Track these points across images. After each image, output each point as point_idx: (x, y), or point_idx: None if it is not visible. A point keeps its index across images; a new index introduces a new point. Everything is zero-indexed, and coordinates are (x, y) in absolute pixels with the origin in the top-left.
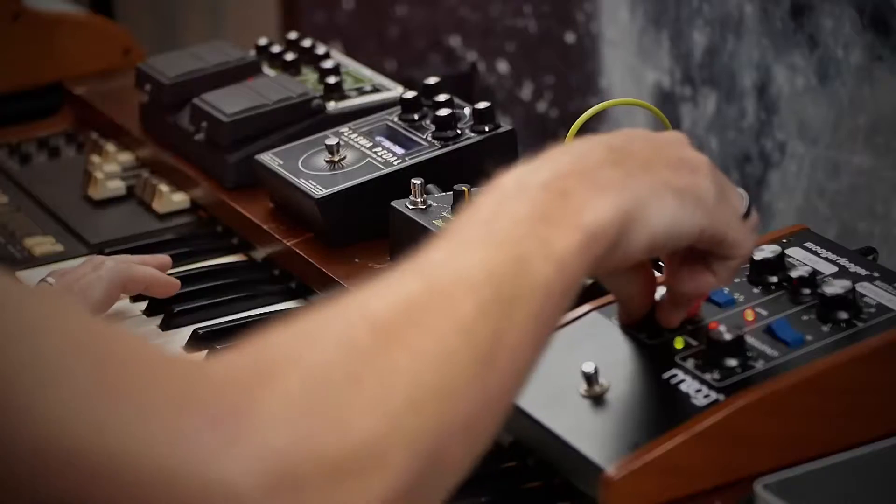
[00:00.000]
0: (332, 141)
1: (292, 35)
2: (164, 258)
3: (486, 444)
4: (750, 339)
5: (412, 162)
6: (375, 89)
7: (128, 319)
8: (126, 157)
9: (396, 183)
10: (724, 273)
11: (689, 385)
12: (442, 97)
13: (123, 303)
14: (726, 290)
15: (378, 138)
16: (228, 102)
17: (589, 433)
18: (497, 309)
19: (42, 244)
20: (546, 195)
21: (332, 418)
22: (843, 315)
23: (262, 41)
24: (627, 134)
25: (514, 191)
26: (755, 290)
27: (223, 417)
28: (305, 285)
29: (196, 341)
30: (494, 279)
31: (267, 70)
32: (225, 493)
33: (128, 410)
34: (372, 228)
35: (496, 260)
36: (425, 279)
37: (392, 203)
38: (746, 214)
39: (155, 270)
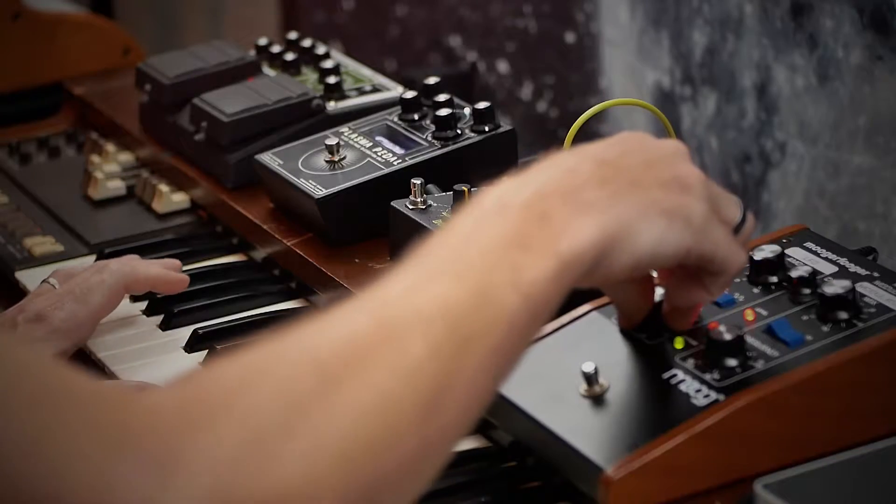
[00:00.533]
0: (332, 141)
1: (292, 35)
2: (174, 262)
3: (425, 485)
4: (750, 339)
5: (412, 162)
6: (375, 89)
7: (127, 319)
8: (126, 157)
9: (396, 183)
10: (716, 288)
11: (688, 385)
12: (442, 97)
13: (123, 302)
14: (726, 290)
15: (378, 138)
16: (228, 102)
17: (589, 433)
18: (450, 348)
19: (42, 244)
20: (525, 216)
21: (260, 469)
22: (843, 315)
23: (262, 41)
24: (622, 144)
25: (493, 211)
26: (755, 290)
27: (154, 463)
28: (305, 285)
29: (196, 341)
30: (452, 316)
31: (267, 70)
32: None
33: (59, 454)
34: (372, 228)
35: (457, 294)
36: (378, 317)
37: (392, 203)
38: (741, 224)
39: (161, 269)
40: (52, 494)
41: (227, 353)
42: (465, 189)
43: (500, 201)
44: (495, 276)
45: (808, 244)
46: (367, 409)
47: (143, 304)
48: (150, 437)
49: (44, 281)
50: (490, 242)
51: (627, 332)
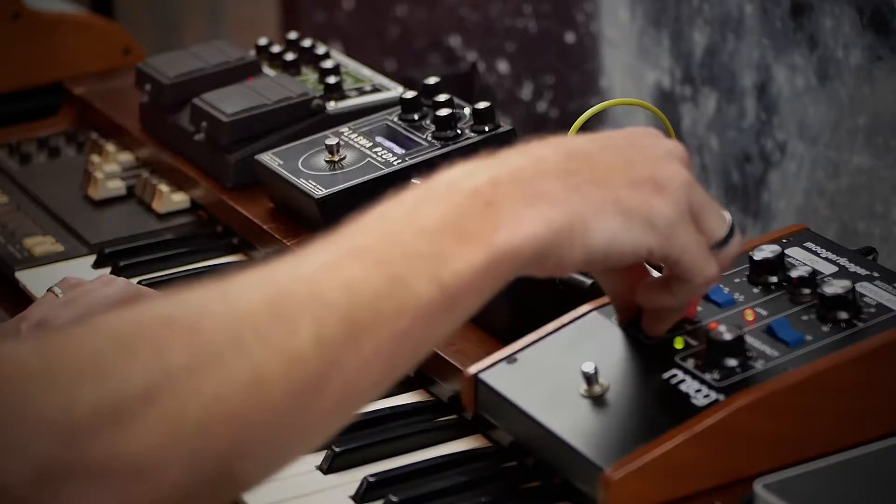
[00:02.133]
0: (332, 141)
1: (292, 35)
2: None
3: (288, 464)
4: (750, 339)
5: (412, 162)
6: (375, 89)
7: None
8: (126, 157)
9: (396, 183)
10: (682, 294)
11: (688, 385)
12: (442, 97)
13: None
14: (726, 289)
15: (378, 138)
16: (228, 102)
17: (589, 433)
18: (342, 337)
19: (42, 244)
20: (470, 203)
21: (113, 428)
22: (843, 315)
23: (262, 41)
24: (613, 139)
25: (441, 192)
26: (755, 290)
27: (1, 423)
28: None
29: None
30: (353, 303)
31: (267, 70)
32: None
33: None
34: None
35: (368, 279)
36: (276, 293)
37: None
38: (727, 239)
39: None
40: None
41: (108, 312)
42: None
43: (451, 184)
44: (417, 263)
45: (808, 244)
46: (238, 385)
47: None
48: (5, 392)
49: (49, 290)
50: (426, 227)
51: (628, 332)
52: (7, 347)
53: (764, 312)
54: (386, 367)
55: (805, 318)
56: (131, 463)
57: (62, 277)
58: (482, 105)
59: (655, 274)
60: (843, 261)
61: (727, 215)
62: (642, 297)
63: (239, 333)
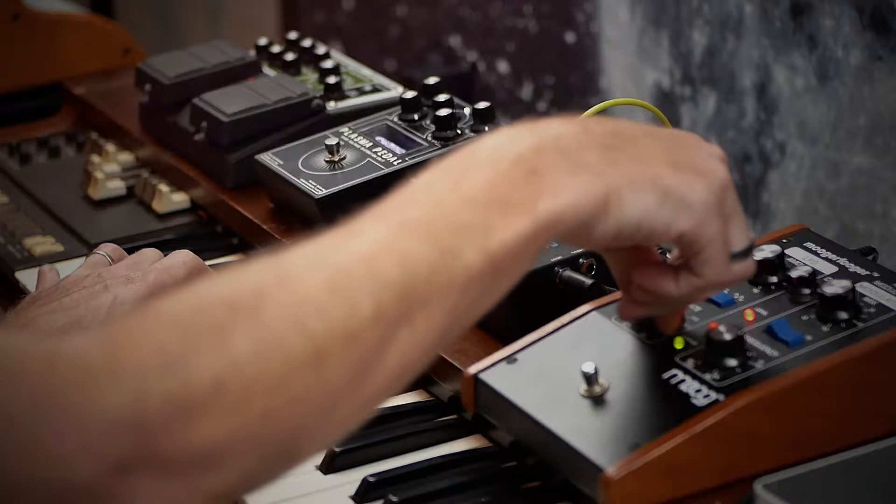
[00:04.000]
0: (332, 141)
1: (292, 35)
2: None
3: (343, 436)
4: (750, 339)
5: (412, 162)
6: (375, 89)
7: None
8: (126, 157)
9: (396, 183)
10: (685, 288)
11: (689, 385)
12: (442, 97)
13: None
14: (726, 289)
15: (378, 138)
16: (228, 102)
17: (589, 433)
18: (399, 313)
19: (42, 244)
20: (514, 170)
21: (184, 422)
22: (843, 315)
23: (262, 41)
24: (661, 131)
25: (485, 159)
26: (755, 290)
27: (74, 424)
28: None
29: None
30: (409, 280)
31: (267, 70)
32: (76, 486)
33: None
34: None
35: (422, 253)
36: (333, 272)
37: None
38: (743, 254)
39: None
40: None
41: (170, 295)
42: None
43: (494, 152)
44: (466, 235)
45: (808, 244)
46: (301, 367)
47: None
48: (74, 393)
49: (94, 252)
50: (471, 195)
51: (627, 332)
52: (69, 342)
53: (764, 312)
54: (436, 338)
55: (805, 318)
56: (202, 454)
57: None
58: (482, 105)
59: None
60: (843, 261)
61: (752, 234)
62: (644, 277)
63: (302, 316)
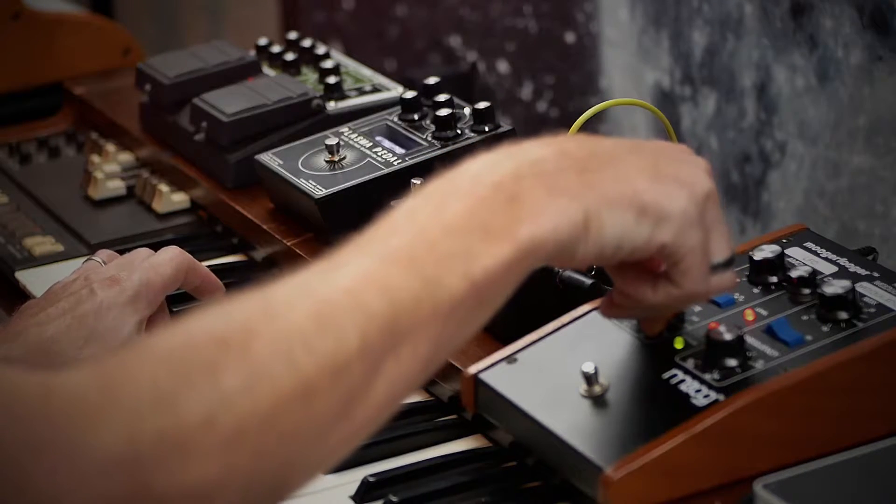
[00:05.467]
0: (332, 141)
1: (292, 35)
2: (222, 286)
3: (334, 463)
4: (750, 339)
5: (412, 162)
6: (375, 89)
7: None
8: (126, 157)
9: (396, 183)
10: (662, 296)
11: (689, 385)
12: (442, 97)
13: None
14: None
15: (378, 138)
16: (228, 102)
17: (589, 433)
18: (385, 344)
19: (42, 244)
20: (494, 197)
21: (177, 460)
22: (843, 315)
23: (262, 41)
24: (644, 144)
25: (465, 185)
26: (755, 290)
27: (67, 459)
28: None
29: None
30: (394, 310)
31: (267, 70)
32: None
33: None
34: None
35: (406, 284)
36: (318, 305)
37: (392, 203)
38: (723, 266)
39: (209, 271)
40: None
41: (159, 331)
42: None
43: (474, 177)
44: (449, 263)
45: (808, 244)
46: (291, 401)
47: None
48: (67, 429)
49: (88, 259)
50: (452, 224)
51: (628, 332)
52: (63, 377)
53: (764, 312)
54: (422, 367)
55: (805, 318)
56: (194, 492)
57: (59, 278)
58: (482, 105)
59: None
60: (843, 261)
61: (732, 245)
62: (624, 281)
63: (290, 350)
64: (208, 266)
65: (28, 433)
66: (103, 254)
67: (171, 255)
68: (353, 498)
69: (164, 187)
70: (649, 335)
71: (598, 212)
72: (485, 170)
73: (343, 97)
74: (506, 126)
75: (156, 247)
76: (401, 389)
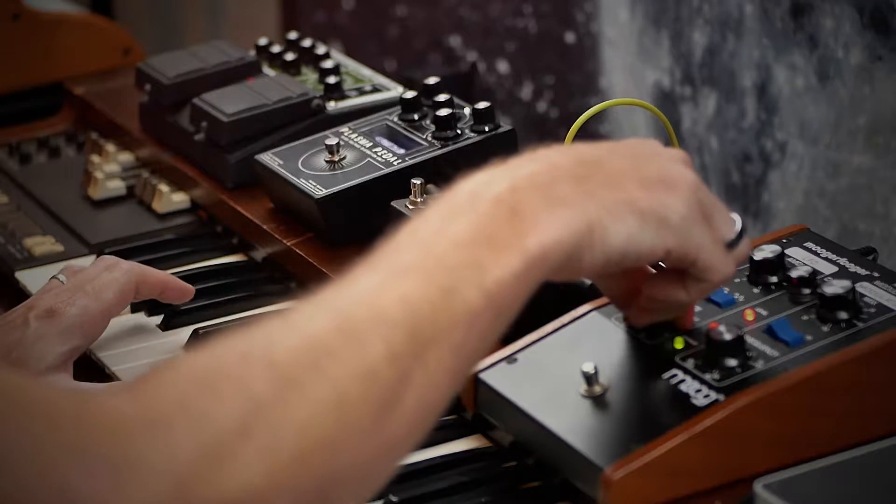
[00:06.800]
0: (332, 141)
1: (292, 35)
2: (189, 286)
3: (381, 483)
4: (750, 339)
5: (412, 162)
6: (375, 89)
7: (128, 320)
8: (126, 157)
9: (396, 183)
10: (695, 292)
11: (689, 385)
12: (442, 97)
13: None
14: (726, 289)
15: (378, 138)
16: (228, 102)
17: (589, 433)
18: (410, 350)
19: (42, 244)
20: (496, 211)
21: (219, 469)
22: (843, 315)
23: (262, 41)
24: (617, 146)
25: (465, 203)
26: (755, 290)
27: (111, 466)
28: (305, 285)
29: (196, 341)
30: (414, 319)
31: (267, 70)
32: None
33: (11, 464)
34: (372, 228)
35: (421, 294)
36: (340, 317)
37: (392, 203)
38: (737, 240)
39: (169, 275)
40: (12, 500)
41: (184, 353)
42: None
43: (472, 194)
44: (461, 274)
45: (808, 244)
46: (324, 408)
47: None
48: (107, 440)
49: (53, 277)
50: (458, 238)
51: (628, 332)
52: (104, 399)
53: (764, 312)
54: (450, 379)
55: (805, 318)
56: (238, 501)
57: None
58: (482, 105)
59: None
60: (843, 261)
61: (736, 216)
62: (653, 290)
63: (314, 358)
64: (208, 266)
65: (67, 440)
66: (68, 270)
67: (115, 277)
68: None
69: (164, 187)
70: (684, 328)
71: (601, 219)
72: (480, 187)
73: (343, 97)
74: (506, 126)
75: (156, 247)
76: (432, 401)
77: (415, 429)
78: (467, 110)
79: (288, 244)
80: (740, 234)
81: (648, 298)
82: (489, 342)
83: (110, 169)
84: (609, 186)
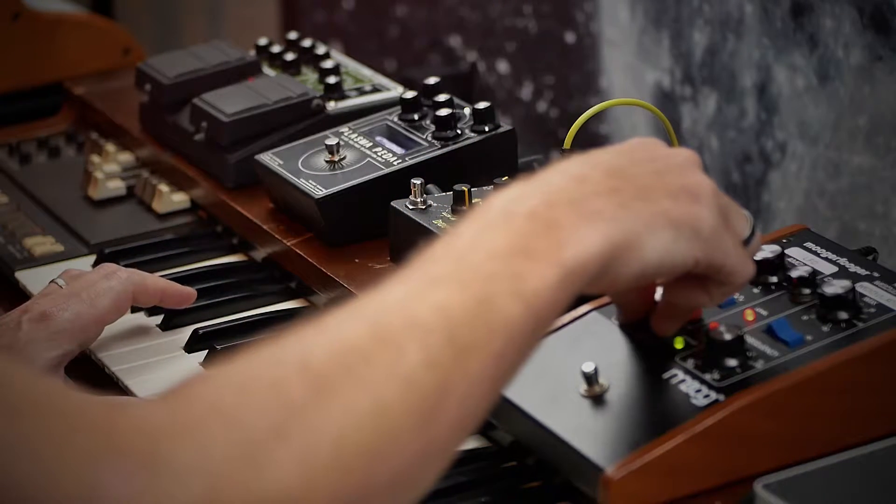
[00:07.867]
0: (332, 141)
1: (292, 35)
2: (190, 291)
3: (422, 492)
4: (750, 339)
5: (412, 162)
6: (375, 89)
7: (128, 320)
8: (126, 157)
9: (396, 183)
10: (719, 296)
11: (688, 385)
12: (442, 97)
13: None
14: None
15: (378, 138)
16: (228, 102)
17: (589, 433)
18: (449, 358)
19: (42, 244)
20: (531, 226)
21: (254, 471)
22: (843, 315)
23: (262, 41)
24: (633, 153)
25: (498, 218)
26: (755, 290)
27: (141, 466)
28: (305, 285)
29: (196, 341)
30: (451, 325)
31: (267, 70)
32: None
33: (42, 462)
34: (372, 228)
35: (457, 301)
36: (374, 324)
37: (392, 203)
38: (750, 237)
39: (168, 281)
40: (37, 500)
41: (225, 355)
42: (465, 189)
43: (505, 209)
44: (498, 284)
45: (808, 244)
46: (362, 414)
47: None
48: (140, 441)
49: (52, 281)
50: (494, 250)
51: (628, 332)
52: (138, 405)
53: (764, 312)
54: (491, 387)
55: (805, 318)
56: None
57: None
58: (482, 105)
59: None
60: (843, 261)
61: (748, 214)
62: (675, 297)
63: (349, 363)
64: (208, 266)
65: (100, 441)
66: (67, 275)
67: (112, 285)
68: None
69: (164, 187)
70: (661, 335)
71: (638, 233)
72: (512, 204)
73: (343, 97)
74: (506, 126)
75: (155, 247)
76: (473, 409)
77: (457, 436)
78: (467, 110)
79: (288, 244)
80: (752, 231)
81: (669, 305)
82: (528, 353)
83: (110, 169)
84: (642, 199)
